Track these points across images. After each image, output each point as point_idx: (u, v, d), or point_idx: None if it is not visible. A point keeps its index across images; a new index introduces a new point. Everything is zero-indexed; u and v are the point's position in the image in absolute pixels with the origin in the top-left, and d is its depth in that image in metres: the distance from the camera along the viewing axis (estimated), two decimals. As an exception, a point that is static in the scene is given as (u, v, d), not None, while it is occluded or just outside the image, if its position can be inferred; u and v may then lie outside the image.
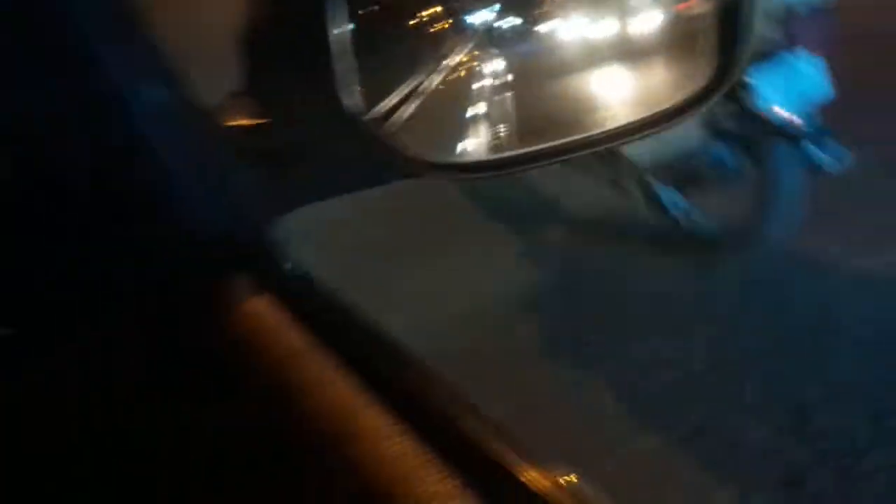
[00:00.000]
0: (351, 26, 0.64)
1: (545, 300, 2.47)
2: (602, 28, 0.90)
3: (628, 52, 0.91)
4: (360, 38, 0.64)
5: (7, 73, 0.47)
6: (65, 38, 0.48)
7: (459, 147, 0.81)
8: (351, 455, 0.40)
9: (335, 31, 0.59)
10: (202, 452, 0.43)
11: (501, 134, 0.86)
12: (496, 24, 0.90)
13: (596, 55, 0.89)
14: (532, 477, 0.39)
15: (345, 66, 0.61)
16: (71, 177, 0.52)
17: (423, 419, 0.41)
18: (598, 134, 0.72)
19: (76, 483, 0.44)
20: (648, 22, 0.91)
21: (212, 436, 0.44)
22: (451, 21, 0.89)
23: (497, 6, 0.91)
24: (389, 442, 0.40)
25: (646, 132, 0.77)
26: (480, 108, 0.88)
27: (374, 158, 0.60)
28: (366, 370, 0.43)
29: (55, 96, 0.49)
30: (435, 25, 0.88)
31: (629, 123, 0.75)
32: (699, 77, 0.77)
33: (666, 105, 0.77)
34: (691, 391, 1.96)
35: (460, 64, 0.93)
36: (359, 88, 0.63)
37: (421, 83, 0.86)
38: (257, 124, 0.61)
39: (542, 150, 0.71)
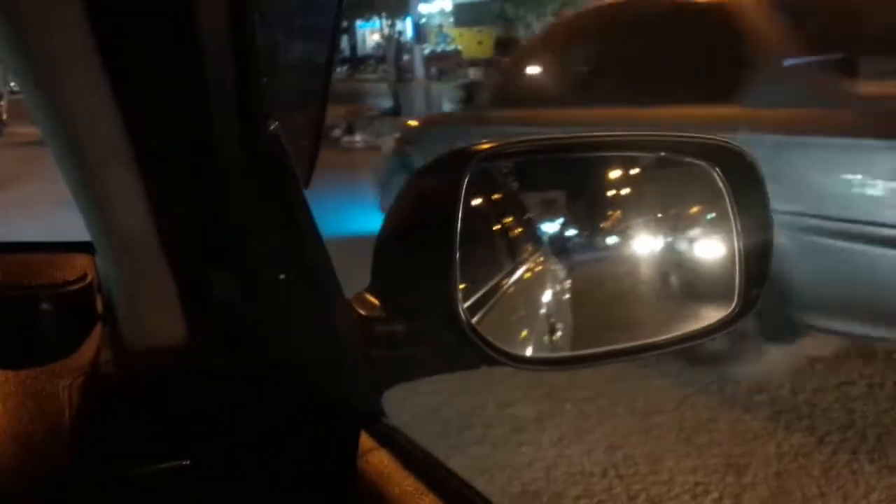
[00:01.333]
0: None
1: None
2: (654, 245, 1.06)
3: (678, 266, 1.07)
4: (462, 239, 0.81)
5: None
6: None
7: (529, 342, 0.97)
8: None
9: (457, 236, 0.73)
10: None
11: (561, 334, 1.02)
12: (561, 235, 1.07)
13: (648, 268, 1.05)
14: None
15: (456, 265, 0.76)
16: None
17: None
18: (642, 343, 0.88)
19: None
20: (696, 242, 1.06)
21: None
22: (523, 229, 1.07)
23: (561, 219, 1.08)
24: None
25: (685, 345, 0.93)
26: (546, 308, 1.04)
27: (466, 346, 0.76)
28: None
29: None
30: (512, 232, 1.05)
31: (674, 336, 0.92)
32: (729, 303, 0.94)
33: (702, 323, 0.94)
34: None
35: (531, 268, 1.09)
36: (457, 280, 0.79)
37: (500, 282, 1.02)
38: (382, 314, 0.77)
39: (596, 353, 0.88)
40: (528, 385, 3.82)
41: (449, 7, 32.93)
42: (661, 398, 3.72)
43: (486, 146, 0.85)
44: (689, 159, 0.96)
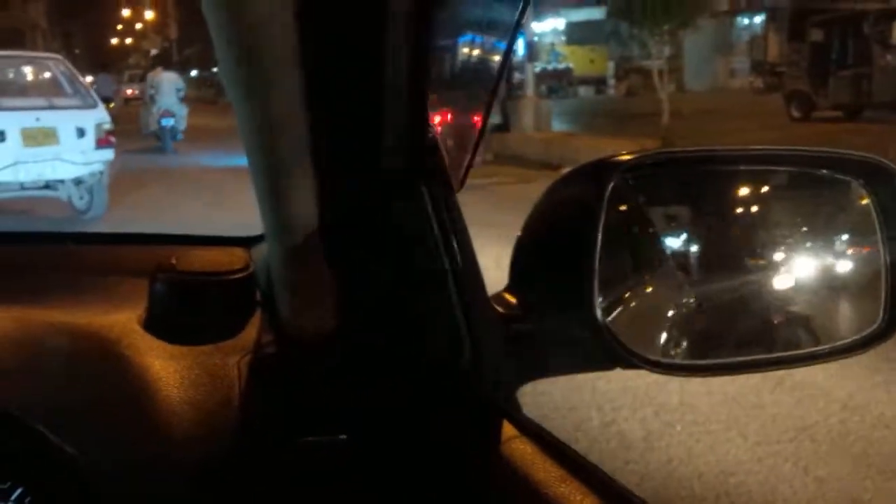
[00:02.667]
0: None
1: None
2: (786, 260, 1.06)
3: (812, 281, 1.06)
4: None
5: None
6: None
7: (658, 348, 0.98)
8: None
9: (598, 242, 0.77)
10: None
11: (687, 343, 1.03)
12: (687, 248, 1.08)
13: (779, 282, 1.05)
14: None
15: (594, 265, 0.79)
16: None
17: None
18: (778, 356, 0.88)
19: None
20: (832, 258, 1.05)
21: None
22: (649, 241, 1.08)
23: (686, 234, 1.09)
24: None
25: (815, 362, 0.93)
26: (673, 317, 1.06)
27: (603, 347, 0.79)
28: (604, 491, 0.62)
29: None
30: (639, 243, 1.07)
31: (804, 352, 0.92)
32: (868, 321, 0.93)
33: (838, 341, 0.93)
34: None
35: (656, 279, 1.11)
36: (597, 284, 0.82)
37: (628, 289, 1.04)
38: (520, 312, 0.81)
39: (730, 363, 0.89)
40: (634, 404, 3.79)
41: (561, 25, 32.90)
42: (777, 427, 3.61)
43: (627, 157, 0.88)
44: (831, 174, 0.96)
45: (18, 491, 0.72)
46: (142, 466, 0.72)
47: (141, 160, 13.27)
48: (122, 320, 0.82)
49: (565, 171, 0.95)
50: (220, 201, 8.87)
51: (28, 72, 10.00)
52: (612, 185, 0.82)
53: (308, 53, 0.64)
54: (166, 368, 0.77)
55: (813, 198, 1.06)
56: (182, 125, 15.55)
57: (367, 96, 0.69)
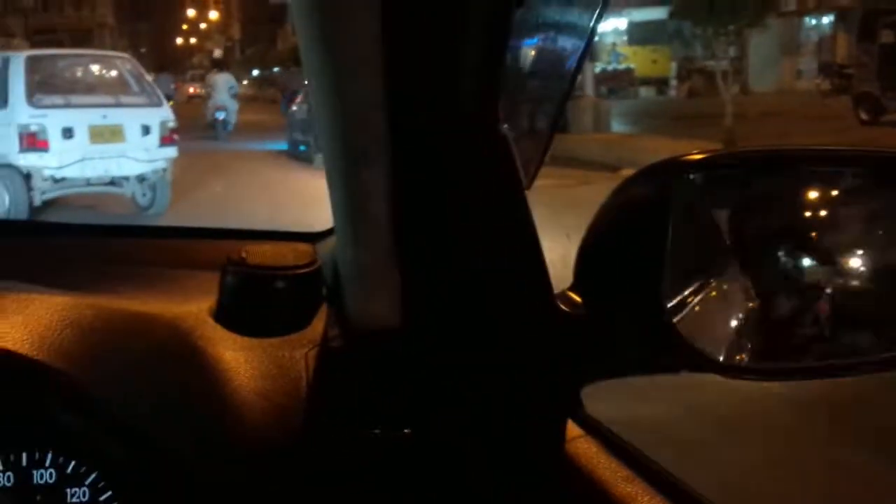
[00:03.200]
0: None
1: None
2: (865, 265, 1.03)
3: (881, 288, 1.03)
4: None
5: None
6: None
7: (724, 350, 0.97)
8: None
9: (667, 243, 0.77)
10: None
11: (752, 347, 1.01)
12: (755, 251, 1.06)
13: (855, 287, 1.02)
14: None
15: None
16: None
17: None
18: (853, 362, 0.86)
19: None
20: None
21: None
22: (714, 242, 1.07)
23: (751, 236, 1.06)
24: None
25: (889, 368, 0.91)
26: (739, 321, 1.04)
27: (671, 350, 0.78)
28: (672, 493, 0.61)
29: None
30: (704, 243, 1.05)
31: (877, 358, 0.89)
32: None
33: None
34: None
35: (722, 281, 1.09)
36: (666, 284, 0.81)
37: (693, 292, 1.03)
38: (585, 312, 0.81)
39: (798, 367, 0.87)
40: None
41: (623, 26, 32.56)
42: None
43: (696, 156, 0.87)
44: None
45: (93, 476, 0.75)
46: (216, 452, 0.73)
47: (197, 145, 14.98)
48: (195, 311, 0.84)
49: (626, 173, 0.94)
50: (254, 169, 13.23)
51: (96, 70, 10.25)
52: (679, 184, 0.81)
53: (388, 48, 0.65)
54: (237, 359, 0.79)
55: (889, 201, 1.03)
56: (233, 118, 18.19)
57: (442, 91, 0.70)
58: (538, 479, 0.73)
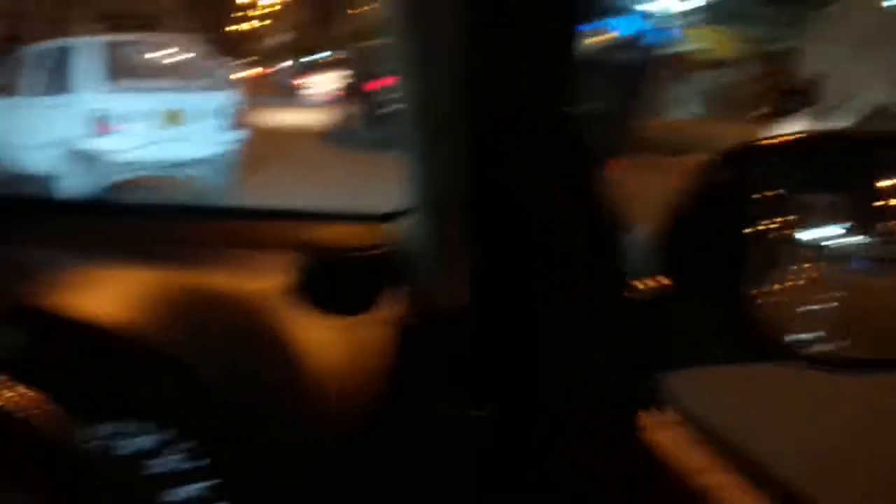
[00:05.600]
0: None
1: None
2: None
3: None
4: None
5: None
6: None
7: (806, 341, 0.94)
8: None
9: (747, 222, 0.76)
10: None
11: (836, 338, 0.98)
12: (833, 239, 1.02)
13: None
14: None
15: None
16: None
17: None
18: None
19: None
20: None
21: None
22: (791, 229, 1.03)
23: (831, 223, 1.03)
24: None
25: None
26: (822, 310, 1.00)
27: (753, 337, 0.76)
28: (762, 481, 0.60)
29: None
30: (780, 231, 1.02)
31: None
32: None
33: None
34: None
35: (800, 269, 1.05)
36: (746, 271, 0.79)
37: (780, 277, 1.00)
38: (663, 301, 0.80)
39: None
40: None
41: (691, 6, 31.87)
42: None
43: (775, 140, 0.85)
44: None
45: (191, 443, 0.77)
46: (298, 428, 0.75)
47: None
48: (271, 291, 0.85)
49: (697, 157, 0.92)
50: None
51: (165, 54, 10.42)
52: (757, 168, 0.79)
53: (469, 30, 0.66)
54: (312, 339, 0.80)
55: None
56: None
57: (519, 72, 0.69)
58: (615, 466, 0.73)
